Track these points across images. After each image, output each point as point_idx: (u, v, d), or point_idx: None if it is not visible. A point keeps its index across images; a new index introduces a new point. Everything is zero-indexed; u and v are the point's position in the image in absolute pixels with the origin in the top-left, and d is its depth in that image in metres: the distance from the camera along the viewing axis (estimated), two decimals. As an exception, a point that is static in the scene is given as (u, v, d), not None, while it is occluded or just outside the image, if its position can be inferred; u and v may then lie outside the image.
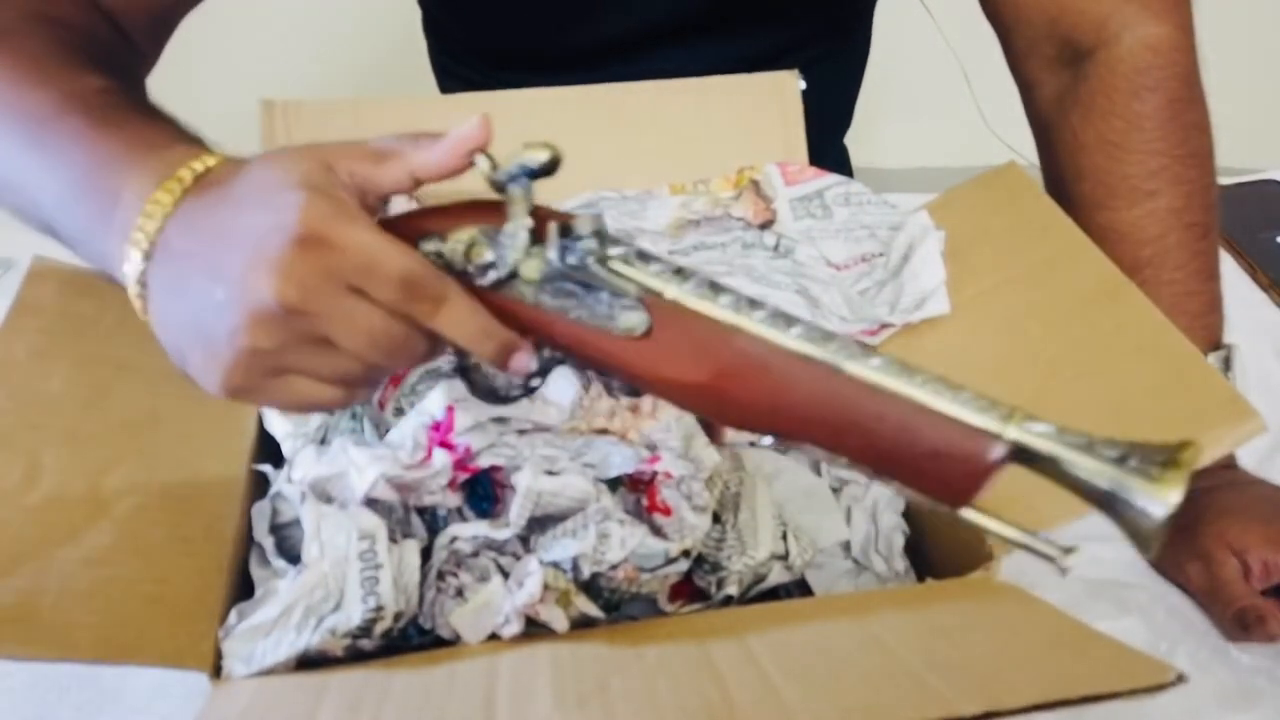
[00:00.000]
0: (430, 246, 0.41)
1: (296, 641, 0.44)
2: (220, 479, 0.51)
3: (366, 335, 0.39)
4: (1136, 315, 0.53)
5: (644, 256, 0.40)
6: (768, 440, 0.40)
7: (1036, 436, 0.34)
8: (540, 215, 0.40)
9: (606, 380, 0.53)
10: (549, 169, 0.39)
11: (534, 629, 0.46)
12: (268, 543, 0.50)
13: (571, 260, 0.39)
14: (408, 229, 0.41)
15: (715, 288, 0.39)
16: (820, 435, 0.38)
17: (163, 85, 0.53)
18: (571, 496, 0.49)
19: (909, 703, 0.35)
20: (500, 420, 0.50)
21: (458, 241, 0.41)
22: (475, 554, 0.49)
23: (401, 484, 0.49)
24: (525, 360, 0.42)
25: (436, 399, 0.50)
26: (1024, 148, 0.75)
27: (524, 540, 0.50)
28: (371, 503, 0.49)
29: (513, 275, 0.40)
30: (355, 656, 0.46)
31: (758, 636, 0.42)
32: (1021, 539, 0.36)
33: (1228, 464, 0.60)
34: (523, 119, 0.66)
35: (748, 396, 0.38)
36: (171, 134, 0.43)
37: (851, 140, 1.00)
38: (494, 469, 0.50)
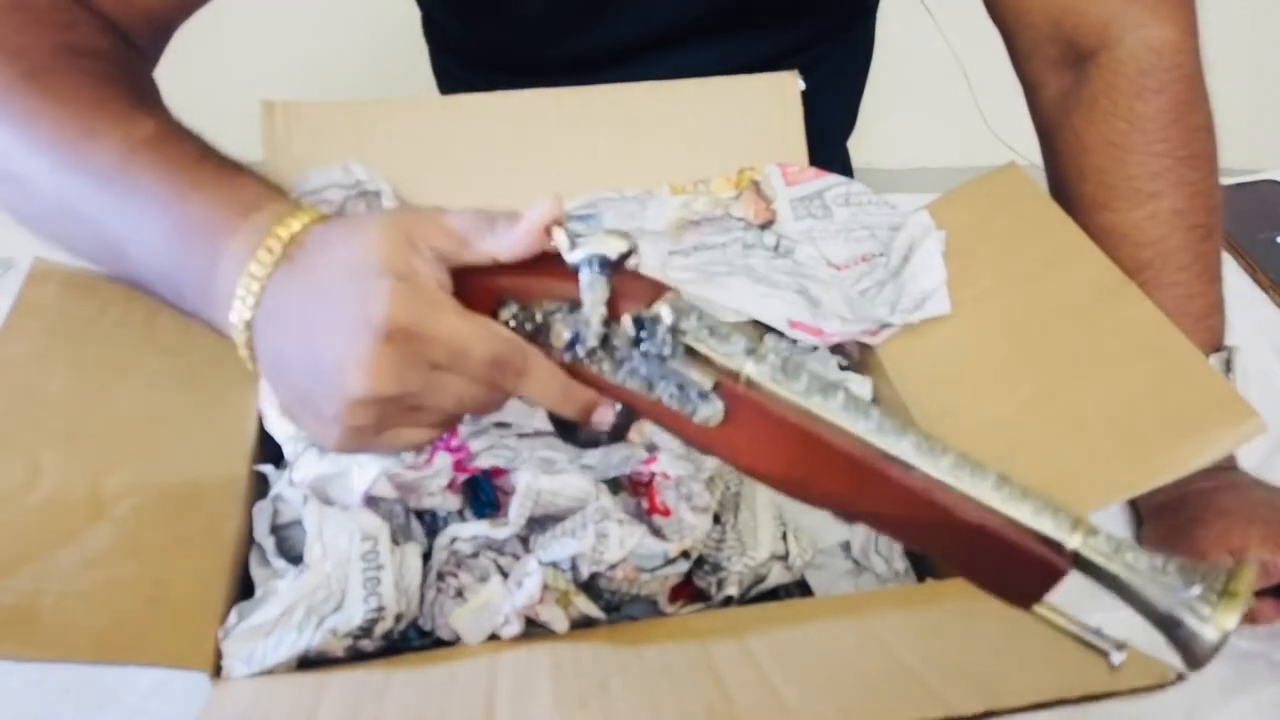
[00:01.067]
0: (509, 312, 0.42)
1: (297, 642, 0.44)
2: (220, 479, 0.51)
3: (455, 401, 0.41)
4: (1137, 315, 0.53)
5: (719, 334, 0.40)
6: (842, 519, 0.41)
7: (1098, 554, 0.35)
8: (618, 294, 0.40)
9: None
10: (622, 261, 0.39)
11: (534, 629, 0.46)
12: (268, 543, 0.50)
13: (646, 348, 0.40)
14: (486, 289, 0.42)
15: (790, 369, 0.39)
16: (896, 529, 0.39)
17: (163, 85, 0.53)
18: (571, 496, 0.49)
19: (909, 702, 0.35)
20: (501, 425, 0.50)
21: (537, 312, 0.42)
22: (475, 554, 0.49)
23: (402, 483, 0.49)
24: (605, 415, 0.44)
25: None
26: (1024, 148, 0.75)
27: (523, 541, 0.50)
28: (372, 505, 0.49)
29: (590, 354, 0.41)
30: (356, 657, 0.46)
31: (758, 637, 0.42)
32: (1082, 634, 0.37)
33: (1228, 465, 0.60)
34: (523, 120, 0.66)
35: (827, 486, 0.39)
36: (251, 190, 0.44)
37: (852, 140, 1.00)
38: (494, 472, 0.50)
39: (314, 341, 0.40)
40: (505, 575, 0.48)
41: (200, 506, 0.49)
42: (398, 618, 0.46)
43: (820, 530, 0.55)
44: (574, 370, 0.42)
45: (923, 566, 0.56)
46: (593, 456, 0.51)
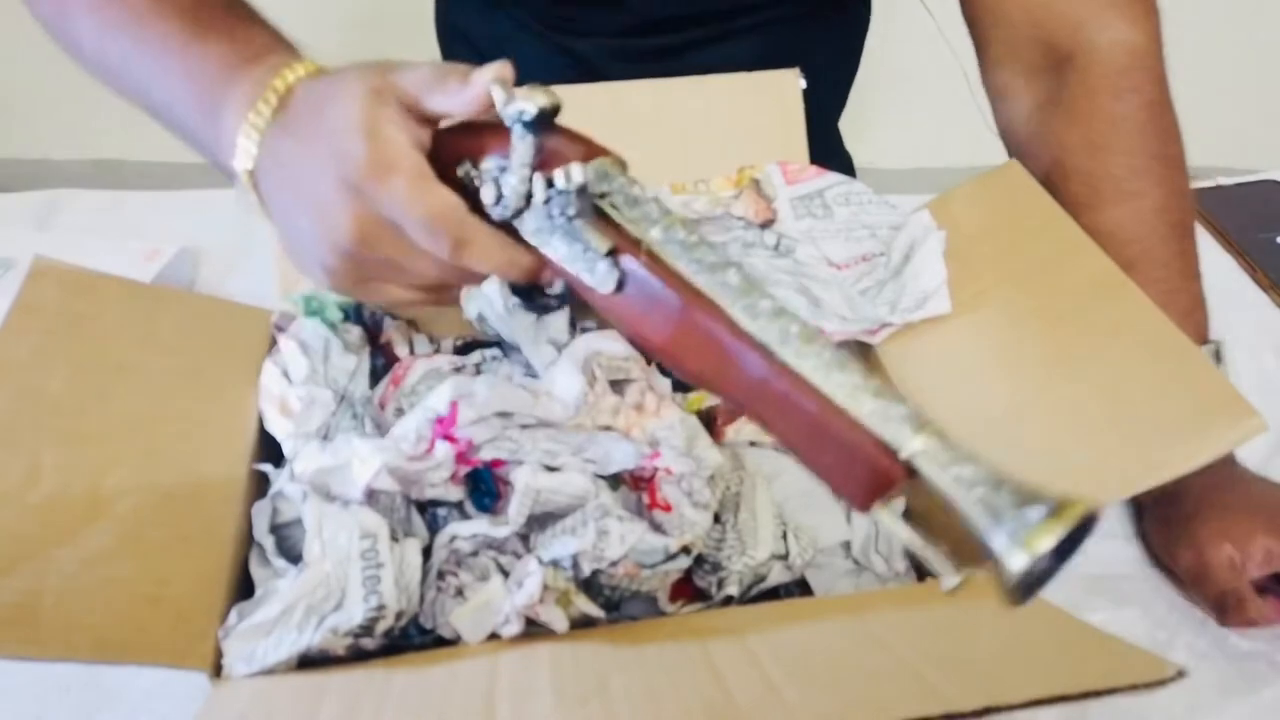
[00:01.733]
0: (462, 170, 0.45)
1: (298, 641, 0.44)
2: (220, 479, 0.51)
3: (426, 267, 0.44)
4: (1137, 313, 0.52)
5: (635, 201, 0.41)
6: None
7: (932, 463, 0.34)
8: (545, 152, 0.42)
9: (613, 378, 0.53)
10: (545, 118, 0.40)
11: (534, 629, 0.46)
12: (268, 542, 0.50)
13: (553, 212, 0.41)
14: (453, 148, 0.45)
15: (691, 245, 0.40)
16: (752, 412, 0.39)
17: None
18: (571, 494, 0.49)
19: (909, 699, 0.35)
20: (504, 415, 0.50)
21: (477, 173, 0.44)
22: (475, 553, 0.49)
23: (403, 475, 0.49)
24: (551, 277, 0.46)
25: (441, 394, 0.50)
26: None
27: (524, 539, 0.50)
28: (373, 500, 0.49)
29: (517, 214, 0.43)
30: (356, 656, 0.46)
31: (758, 636, 0.42)
32: (919, 549, 0.36)
33: (1228, 460, 0.60)
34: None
35: (696, 365, 0.40)
36: (259, 40, 0.48)
37: (851, 140, 1.00)
38: (496, 463, 0.50)
39: (300, 191, 0.44)
40: (505, 574, 0.48)
41: (200, 506, 0.49)
42: (398, 616, 0.46)
43: (820, 530, 0.55)
44: (513, 234, 0.44)
45: (923, 566, 0.56)
46: (595, 451, 0.51)
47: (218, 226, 0.78)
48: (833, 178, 0.67)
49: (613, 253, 0.41)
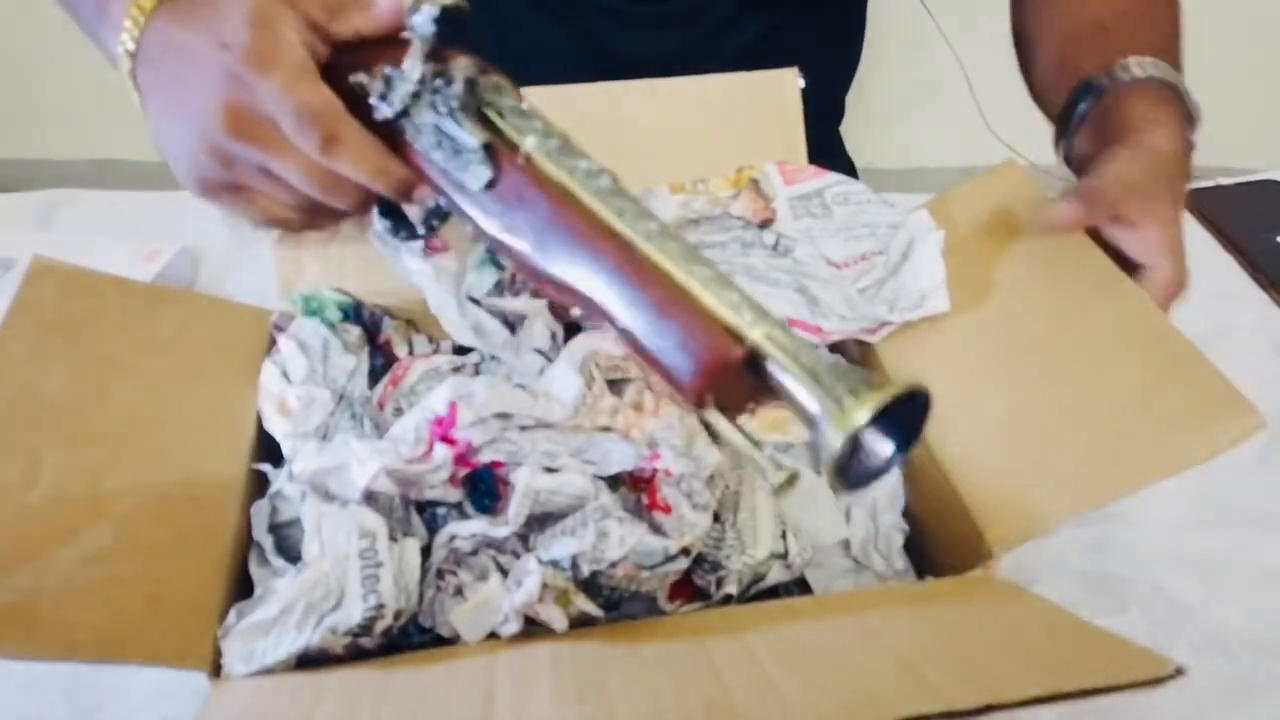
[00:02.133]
0: (355, 79, 0.45)
1: (297, 640, 0.44)
2: (220, 479, 0.51)
3: (295, 169, 0.44)
4: (1136, 313, 0.52)
5: (523, 114, 0.42)
6: (576, 312, 0.43)
7: (772, 345, 0.35)
8: (441, 59, 0.43)
9: (610, 378, 0.54)
10: (452, 19, 0.41)
11: (533, 628, 0.46)
12: (267, 541, 0.50)
13: (439, 104, 0.42)
14: (349, 65, 0.45)
15: (569, 153, 0.41)
16: (600, 310, 0.40)
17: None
18: (570, 494, 0.49)
19: (907, 696, 0.35)
20: (503, 416, 0.50)
21: (371, 77, 0.45)
22: (474, 552, 0.49)
23: (402, 477, 0.49)
24: (425, 193, 0.46)
25: (440, 394, 0.50)
26: (1024, 148, 0.75)
27: (523, 539, 0.50)
28: (371, 500, 0.49)
29: (402, 115, 0.44)
30: (355, 655, 0.46)
31: (757, 634, 0.42)
32: (746, 449, 0.38)
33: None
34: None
35: (557, 268, 0.41)
36: None
37: (851, 140, 1.00)
38: (495, 464, 0.50)
39: (180, 80, 0.44)
40: (505, 573, 0.48)
41: (199, 506, 0.49)
42: (397, 615, 0.46)
43: (820, 529, 0.55)
44: (389, 141, 0.45)
45: (923, 565, 0.56)
46: (595, 453, 0.51)
47: (218, 227, 0.78)
48: (831, 177, 0.67)
49: (489, 148, 0.42)
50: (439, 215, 0.49)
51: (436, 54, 0.42)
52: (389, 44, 0.45)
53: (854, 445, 0.33)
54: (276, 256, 0.62)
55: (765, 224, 0.65)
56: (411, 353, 0.62)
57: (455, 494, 0.51)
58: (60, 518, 0.45)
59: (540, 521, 0.50)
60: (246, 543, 0.51)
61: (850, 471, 0.36)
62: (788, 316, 0.59)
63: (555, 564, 0.47)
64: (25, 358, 0.50)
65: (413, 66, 0.43)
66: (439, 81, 0.42)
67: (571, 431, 0.51)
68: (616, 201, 0.40)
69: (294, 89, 0.42)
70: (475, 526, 0.49)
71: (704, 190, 0.66)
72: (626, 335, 0.39)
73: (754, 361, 0.36)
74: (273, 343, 0.59)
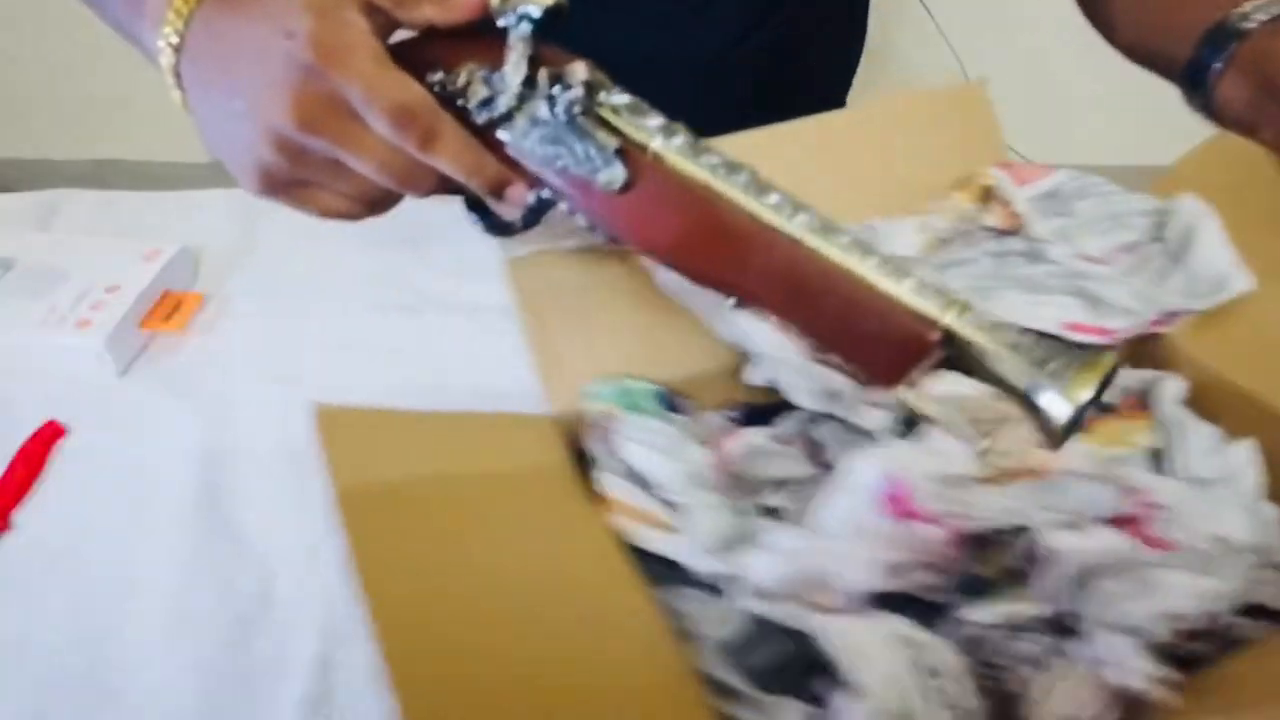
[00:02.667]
0: (435, 78, 0.43)
1: None
2: (634, 623, 0.44)
3: (372, 161, 0.41)
4: None
5: (636, 109, 0.41)
6: (730, 301, 0.42)
7: (968, 326, 0.37)
8: (541, 59, 0.42)
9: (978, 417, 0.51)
10: (552, 19, 0.40)
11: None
12: (735, 679, 0.42)
13: (558, 110, 0.41)
14: (418, 58, 0.43)
15: (699, 149, 0.40)
16: (775, 303, 0.40)
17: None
18: (1100, 551, 0.43)
19: None
20: (945, 479, 0.44)
21: (458, 77, 0.43)
22: (1010, 641, 0.43)
23: (895, 568, 0.44)
24: (520, 194, 0.44)
25: (868, 471, 0.45)
26: (1024, 148, 0.75)
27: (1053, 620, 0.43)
28: (870, 601, 0.43)
29: (506, 118, 0.43)
30: None
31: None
32: (946, 419, 0.40)
33: None
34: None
35: (710, 263, 0.41)
36: None
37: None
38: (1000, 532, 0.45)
39: (238, 70, 0.40)
40: (1051, 658, 0.42)
41: (633, 663, 0.43)
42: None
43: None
44: (487, 140, 0.43)
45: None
46: (1070, 500, 0.46)
47: (218, 226, 0.78)
48: (1062, 174, 0.64)
49: (620, 151, 0.41)
50: (540, 209, 0.47)
51: (537, 50, 0.41)
52: (458, 36, 0.44)
53: (1080, 415, 0.36)
54: (538, 355, 0.57)
55: (1014, 231, 0.62)
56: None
57: (937, 578, 0.45)
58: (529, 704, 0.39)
59: (1068, 588, 0.44)
60: (701, 685, 0.43)
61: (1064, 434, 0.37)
62: (1063, 321, 0.56)
63: (1126, 631, 0.42)
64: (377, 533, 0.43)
65: (516, 69, 0.41)
66: (556, 87, 0.41)
67: (1032, 482, 0.46)
68: (766, 196, 0.39)
69: (382, 84, 0.40)
70: (1002, 609, 0.43)
71: (944, 208, 0.63)
72: (805, 329, 0.40)
73: (949, 342, 0.37)
74: (581, 453, 0.53)
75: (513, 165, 0.43)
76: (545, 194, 0.45)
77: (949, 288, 0.38)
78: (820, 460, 0.54)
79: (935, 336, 0.37)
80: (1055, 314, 0.56)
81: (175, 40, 0.42)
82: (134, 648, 0.52)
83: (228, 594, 0.54)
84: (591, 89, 0.41)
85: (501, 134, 0.43)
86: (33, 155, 2.07)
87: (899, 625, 0.42)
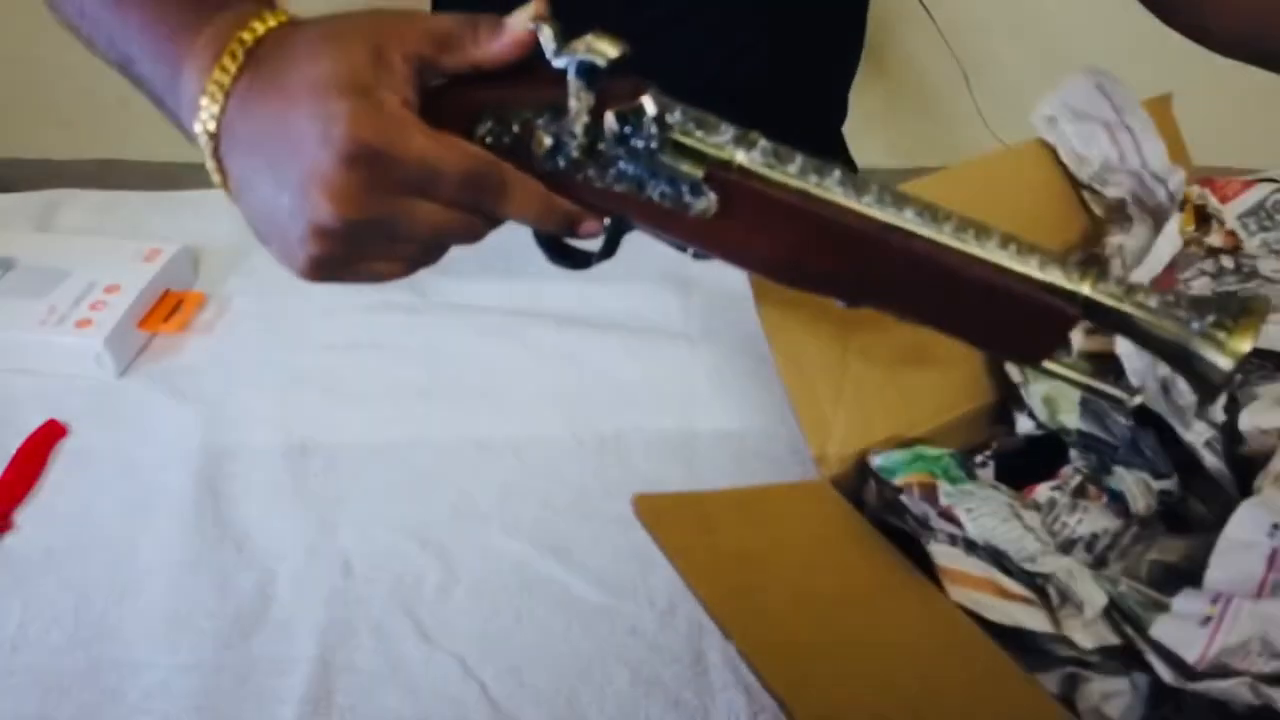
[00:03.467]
0: (486, 127, 0.42)
1: None
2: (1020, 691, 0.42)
3: (430, 228, 0.40)
4: None
5: (705, 124, 0.39)
6: (840, 304, 0.42)
7: (1109, 297, 0.37)
8: (602, 98, 0.40)
9: None
10: (615, 68, 0.38)
11: None
12: None
13: (635, 146, 0.40)
14: (461, 104, 0.41)
15: (782, 154, 0.39)
16: (898, 299, 0.40)
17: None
18: None
19: None
20: None
21: (515, 123, 0.41)
22: None
23: None
24: (592, 227, 0.43)
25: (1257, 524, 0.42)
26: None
27: None
28: None
29: (576, 166, 0.41)
30: None
31: None
32: (1092, 384, 0.40)
33: None
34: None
35: (826, 267, 0.40)
36: None
37: (851, 140, 1.00)
38: None
39: (278, 160, 0.38)
40: None
41: None
42: None
43: None
44: (556, 184, 0.42)
45: None
46: None
47: (218, 226, 0.78)
48: (1265, 186, 0.63)
49: (707, 178, 0.39)
50: (617, 237, 0.46)
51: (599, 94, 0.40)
52: (502, 77, 0.42)
53: (1240, 368, 0.36)
54: (807, 426, 0.54)
55: (1232, 250, 0.60)
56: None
57: None
58: None
59: None
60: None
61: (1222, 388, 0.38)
62: None
63: None
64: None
65: (579, 114, 0.39)
66: (628, 128, 0.39)
67: None
68: (865, 194, 0.38)
69: (440, 158, 0.38)
70: None
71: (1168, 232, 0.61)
72: (935, 320, 0.40)
73: (1090, 312, 0.38)
74: (882, 522, 0.51)
75: (583, 198, 0.42)
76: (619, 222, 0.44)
77: (1070, 257, 0.38)
78: (1125, 511, 0.53)
79: (1075, 311, 0.37)
80: (1277, 331, 0.54)
81: (213, 128, 0.40)
82: (134, 648, 0.52)
83: (227, 594, 0.54)
84: (661, 122, 0.39)
85: (575, 175, 0.42)
86: (33, 155, 2.07)
87: None
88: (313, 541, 0.57)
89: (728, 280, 0.74)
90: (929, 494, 0.50)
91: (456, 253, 0.61)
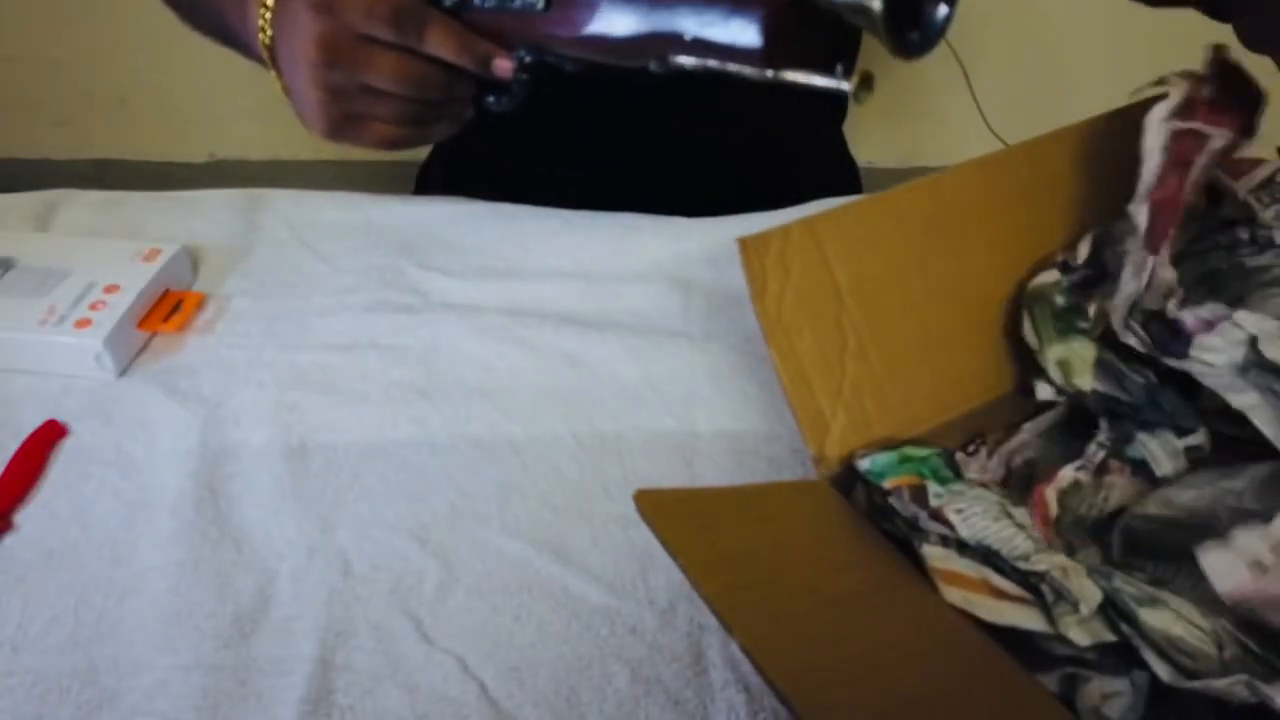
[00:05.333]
0: None
1: None
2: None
3: (391, 72, 0.54)
4: None
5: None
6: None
7: None
8: None
9: None
10: None
11: None
12: None
13: None
14: None
15: None
16: (666, 28, 0.52)
17: (173, 81, 0.53)
18: None
19: None
20: None
21: None
22: None
23: None
24: (504, 65, 0.56)
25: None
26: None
27: None
28: None
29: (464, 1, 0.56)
30: None
31: None
32: (813, 80, 0.48)
33: None
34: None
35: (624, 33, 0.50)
36: None
37: (851, 140, 1.00)
38: None
39: (290, 41, 0.53)
40: None
41: None
42: None
43: None
44: (466, 21, 0.55)
45: None
46: None
47: (217, 227, 0.78)
48: (1275, 162, 0.63)
49: None
50: (527, 69, 0.57)
51: None
52: None
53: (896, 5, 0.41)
54: (805, 426, 0.54)
55: (1243, 220, 0.60)
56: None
57: None
58: None
59: None
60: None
61: (910, 38, 0.44)
62: None
63: None
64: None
65: None
66: None
67: None
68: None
69: (375, 3, 0.51)
70: None
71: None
72: (697, 43, 0.50)
73: None
74: (907, 520, 0.50)
75: (483, 31, 0.54)
76: (528, 57, 0.56)
77: None
78: (1151, 477, 0.51)
79: None
80: None
81: (268, 40, 0.55)
82: (134, 648, 0.52)
83: (227, 594, 0.54)
84: None
85: (467, 11, 0.54)
86: (33, 155, 2.07)
87: None
88: (312, 541, 0.57)
89: (728, 280, 0.74)
90: (918, 495, 0.49)
91: (457, 252, 0.62)
